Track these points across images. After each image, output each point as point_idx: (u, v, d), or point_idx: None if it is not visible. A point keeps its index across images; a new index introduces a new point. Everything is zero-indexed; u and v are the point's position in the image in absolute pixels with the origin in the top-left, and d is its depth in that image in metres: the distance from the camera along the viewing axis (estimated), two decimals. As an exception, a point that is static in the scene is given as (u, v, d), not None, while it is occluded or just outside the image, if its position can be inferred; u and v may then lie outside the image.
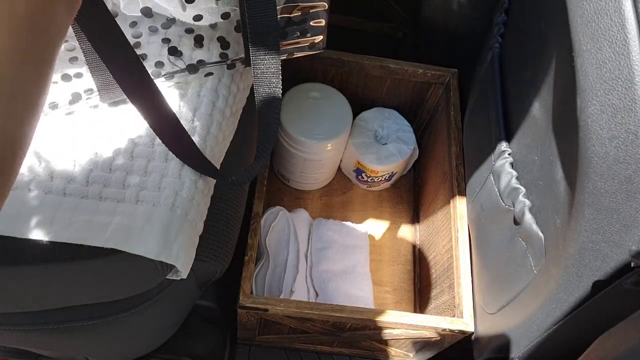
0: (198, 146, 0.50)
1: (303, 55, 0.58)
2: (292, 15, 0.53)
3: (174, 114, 0.47)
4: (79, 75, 0.51)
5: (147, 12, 0.51)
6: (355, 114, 0.89)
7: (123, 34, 0.42)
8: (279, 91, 0.51)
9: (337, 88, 0.87)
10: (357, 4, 1.12)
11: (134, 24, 0.54)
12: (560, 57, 0.49)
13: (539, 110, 0.54)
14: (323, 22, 0.55)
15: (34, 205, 0.45)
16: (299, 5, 0.53)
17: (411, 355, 0.85)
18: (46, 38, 0.29)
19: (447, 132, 0.84)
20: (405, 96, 0.93)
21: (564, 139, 0.48)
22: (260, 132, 0.53)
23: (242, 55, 0.55)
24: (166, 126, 0.47)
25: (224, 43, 0.55)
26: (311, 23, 0.55)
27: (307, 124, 0.82)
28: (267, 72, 0.49)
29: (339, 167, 0.98)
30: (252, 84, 0.61)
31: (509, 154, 0.60)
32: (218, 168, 0.54)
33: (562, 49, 0.48)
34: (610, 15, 0.39)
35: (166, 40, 0.54)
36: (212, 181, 0.54)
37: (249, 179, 0.55)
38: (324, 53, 0.84)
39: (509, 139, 0.62)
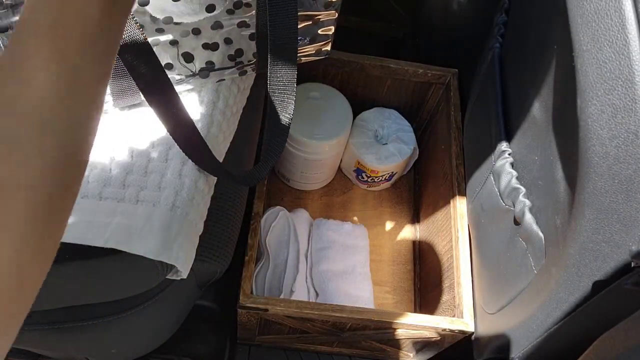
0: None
1: (309, 60, 0.58)
2: (303, 25, 0.53)
3: (191, 119, 0.47)
4: None
5: (168, 21, 0.51)
6: (356, 114, 0.89)
7: (147, 41, 0.42)
8: (292, 98, 0.51)
9: (338, 88, 0.87)
10: (357, 4, 1.12)
11: (140, 26, 0.54)
12: (560, 57, 0.49)
13: (539, 110, 0.54)
14: (331, 30, 0.56)
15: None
16: (310, 15, 0.53)
17: (411, 355, 0.85)
18: (114, 34, 0.29)
19: (447, 132, 0.84)
20: (406, 96, 0.93)
21: (564, 139, 0.48)
22: (270, 135, 0.53)
23: (254, 60, 0.55)
24: (184, 132, 0.47)
25: (234, 48, 0.55)
26: (319, 31, 0.55)
27: (307, 124, 0.82)
28: (284, 79, 0.50)
29: (339, 167, 0.98)
30: (253, 85, 0.61)
31: (509, 154, 0.60)
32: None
33: (562, 49, 0.48)
34: (611, 15, 0.39)
35: (174, 42, 0.54)
36: (213, 181, 0.54)
37: (258, 179, 0.55)
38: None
39: (509, 139, 0.62)
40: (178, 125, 0.46)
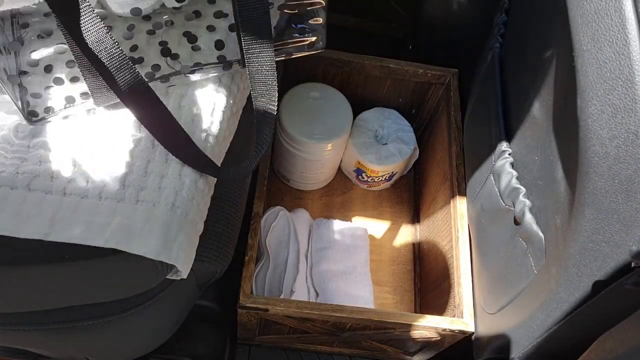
0: (198, 145, 0.50)
1: (303, 55, 0.58)
2: (289, 13, 0.53)
3: (170, 114, 0.47)
4: (75, 79, 0.51)
5: (136, 12, 0.51)
6: (356, 114, 0.89)
7: (110, 37, 0.42)
8: (275, 88, 0.51)
9: (338, 88, 0.87)
10: (357, 4, 1.12)
11: (131, 27, 0.54)
12: (560, 57, 0.49)
13: (539, 110, 0.54)
14: (321, 20, 0.55)
15: (34, 205, 0.45)
16: (295, 2, 0.52)
17: (411, 355, 0.85)
18: None
19: (447, 132, 0.84)
20: (406, 96, 0.93)
21: (564, 139, 0.48)
22: (257, 129, 0.53)
23: (239, 57, 0.55)
24: (162, 127, 0.47)
25: (221, 45, 0.55)
26: (309, 21, 0.55)
27: (307, 124, 0.82)
28: (262, 69, 0.50)
29: (339, 167, 0.98)
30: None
31: (509, 154, 0.60)
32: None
33: (562, 49, 0.48)
34: (611, 15, 0.39)
35: (163, 43, 0.53)
36: (213, 181, 0.54)
37: (246, 174, 0.55)
38: (324, 53, 0.84)
39: (509, 139, 0.62)
40: (157, 122, 0.46)
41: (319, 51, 0.58)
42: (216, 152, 0.53)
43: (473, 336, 0.68)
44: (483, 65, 0.72)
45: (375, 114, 0.93)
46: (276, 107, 0.52)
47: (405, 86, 0.90)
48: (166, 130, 0.47)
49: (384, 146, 0.91)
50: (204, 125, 0.52)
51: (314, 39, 0.56)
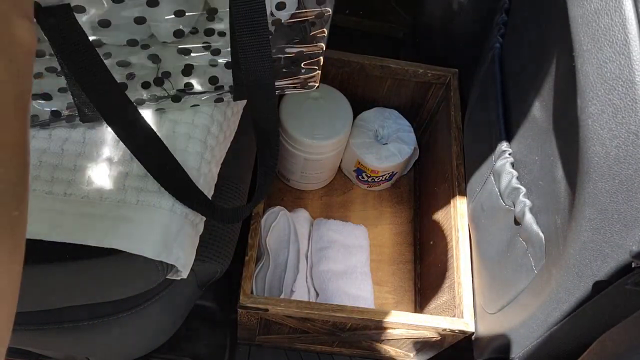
0: (198, 152, 0.50)
1: (294, 92, 0.58)
2: (286, 56, 0.53)
3: (161, 145, 0.46)
4: (63, 90, 0.50)
5: (133, 43, 0.50)
6: (356, 114, 0.89)
7: (98, 57, 0.41)
8: (276, 138, 0.52)
9: (338, 88, 0.87)
10: (358, 4, 1.12)
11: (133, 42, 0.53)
12: (560, 57, 0.49)
13: (540, 110, 0.54)
14: (317, 63, 0.55)
15: (34, 206, 0.45)
16: (295, 47, 0.52)
17: (411, 355, 0.85)
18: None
19: (447, 132, 0.84)
20: (406, 96, 0.93)
21: (565, 139, 0.48)
22: (259, 174, 0.53)
23: (229, 89, 0.54)
24: (149, 154, 0.46)
25: (214, 76, 0.54)
26: (307, 62, 0.55)
27: (307, 124, 0.82)
28: (262, 114, 0.50)
29: (340, 167, 0.98)
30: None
31: (509, 154, 0.60)
32: (218, 170, 0.54)
33: (562, 48, 0.48)
34: (611, 15, 0.39)
35: (157, 60, 0.53)
36: (213, 181, 0.54)
37: (239, 218, 0.55)
38: (324, 53, 0.84)
39: (509, 139, 0.62)
40: (144, 150, 0.46)
41: (312, 89, 0.58)
42: (216, 152, 0.53)
43: (473, 336, 0.68)
44: (483, 65, 0.72)
45: (375, 114, 0.93)
46: (277, 157, 0.54)
47: (405, 86, 0.90)
48: (154, 158, 0.47)
49: (384, 146, 0.91)
50: (204, 126, 0.52)
51: (308, 78, 0.56)
